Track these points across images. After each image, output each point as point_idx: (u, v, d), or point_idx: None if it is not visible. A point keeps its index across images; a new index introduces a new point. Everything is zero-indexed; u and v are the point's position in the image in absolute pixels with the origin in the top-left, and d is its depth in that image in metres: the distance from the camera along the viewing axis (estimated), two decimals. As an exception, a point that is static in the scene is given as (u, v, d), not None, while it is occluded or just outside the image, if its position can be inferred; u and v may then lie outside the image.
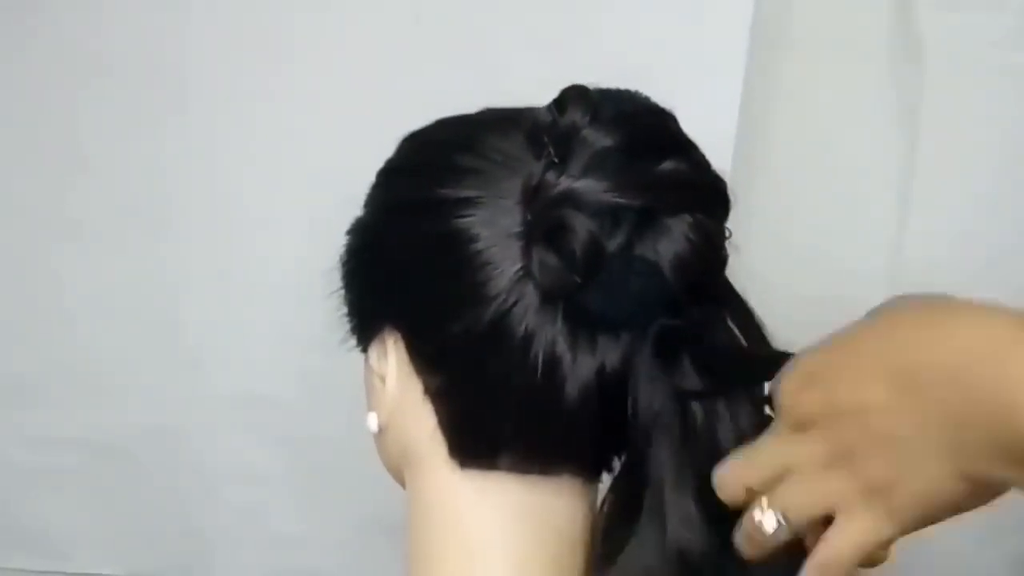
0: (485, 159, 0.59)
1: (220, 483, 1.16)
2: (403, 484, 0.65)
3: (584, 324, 0.57)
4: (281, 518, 1.17)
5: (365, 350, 0.65)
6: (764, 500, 0.52)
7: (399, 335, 0.62)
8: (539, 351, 0.57)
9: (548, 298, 0.56)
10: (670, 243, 0.56)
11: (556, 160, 0.56)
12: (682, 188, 0.58)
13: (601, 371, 0.57)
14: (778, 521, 0.52)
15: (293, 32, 1.07)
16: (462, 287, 0.58)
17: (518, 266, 0.57)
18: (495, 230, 0.57)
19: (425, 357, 0.61)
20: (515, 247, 0.57)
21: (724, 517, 0.54)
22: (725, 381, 0.58)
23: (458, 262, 0.58)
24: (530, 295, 0.57)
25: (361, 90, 1.06)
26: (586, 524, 0.62)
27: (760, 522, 0.52)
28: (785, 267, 1.01)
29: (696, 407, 0.57)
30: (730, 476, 0.54)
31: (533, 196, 0.57)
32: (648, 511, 0.57)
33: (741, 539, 0.53)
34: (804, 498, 0.51)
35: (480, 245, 0.57)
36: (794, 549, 0.53)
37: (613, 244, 0.56)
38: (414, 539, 0.63)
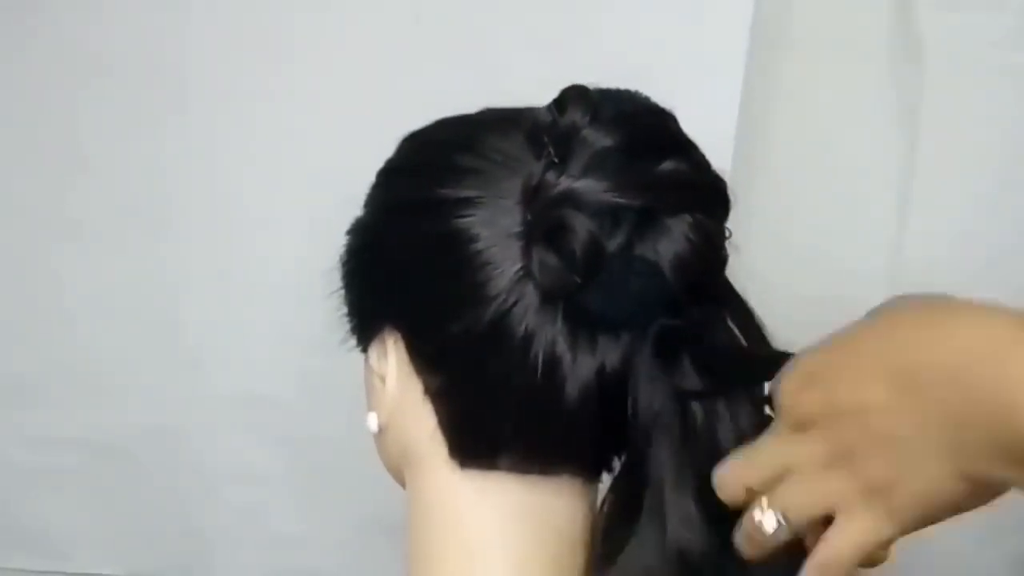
0: (485, 159, 0.59)
1: (220, 483, 1.16)
2: (403, 484, 0.65)
3: (584, 324, 0.57)
4: (281, 518, 1.17)
5: (365, 350, 0.65)
6: (764, 500, 0.52)
7: (399, 335, 0.62)
8: (539, 351, 0.57)
9: (548, 298, 0.56)
10: (670, 243, 0.56)
11: (556, 160, 0.56)
12: (682, 188, 0.58)
13: (601, 371, 0.57)
14: (778, 521, 0.51)
15: (293, 32, 1.07)
16: (462, 287, 0.58)
17: (518, 266, 0.57)
18: (495, 230, 0.57)
19: (425, 357, 0.61)
20: (515, 247, 0.57)
21: (724, 517, 0.54)
22: (725, 381, 0.58)
23: (458, 262, 0.58)
24: (530, 295, 0.57)
25: (361, 90, 1.06)
26: (586, 524, 0.62)
27: (760, 522, 0.52)
28: (785, 267, 1.01)
29: (696, 407, 0.57)
30: (730, 476, 0.54)
31: (533, 196, 0.57)
32: (648, 511, 0.57)
33: (741, 539, 0.53)
34: (804, 498, 0.51)
35: (480, 245, 0.57)
36: (794, 549, 0.53)
37: (613, 244, 0.56)
38: (414, 539, 0.63)
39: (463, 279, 0.57)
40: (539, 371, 0.57)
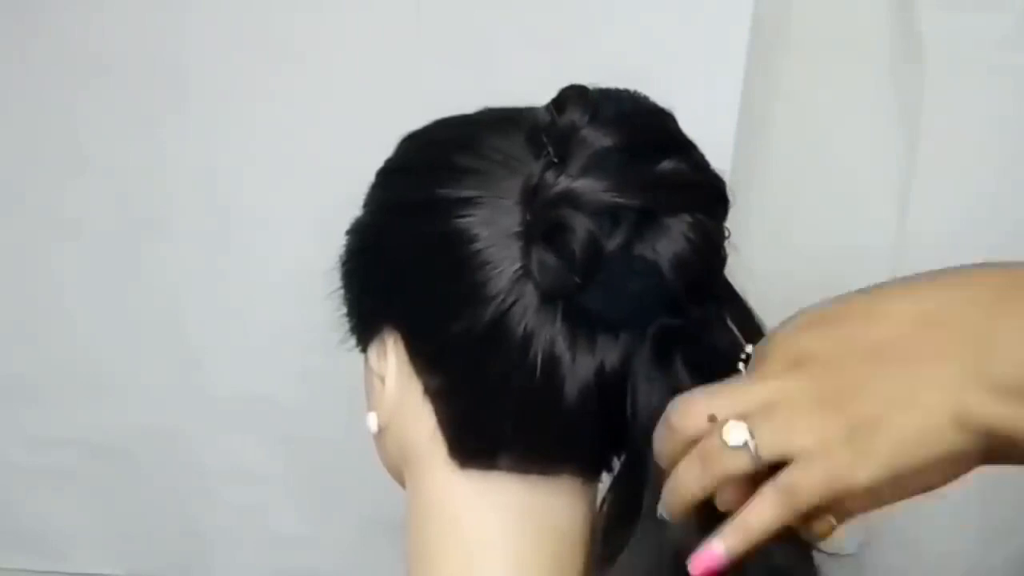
0: (485, 159, 0.59)
1: (220, 483, 1.16)
2: (403, 484, 0.65)
3: (583, 324, 0.57)
4: (281, 518, 1.17)
5: (365, 350, 0.65)
6: (744, 424, 0.49)
7: (399, 335, 0.62)
8: (538, 351, 0.57)
9: (547, 298, 0.56)
10: (669, 243, 0.56)
11: (555, 160, 0.56)
12: (681, 188, 0.58)
13: (600, 371, 0.57)
14: (746, 441, 0.48)
15: (293, 32, 1.07)
16: (461, 287, 0.58)
17: (517, 266, 0.57)
18: (494, 230, 0.57)
19: (425, 357, 0.61)
20: (514, 247, 0.57)
21: (722, 519, 0.54)
22: (717, 381, 0.57)
23: (457, 262, 0.58)
24: (529, 295, 0.57)
25: (361, 90, 1.06)
26: (586, 524, 0.62)
27: (724, 437, 0.48)
28: (785, 267, 1.01)
29: None
30: (693, 403, 0.50)
31: (532, 196, 0.57)
32: (648, 511, 0.57)
33: (685, 469, 0.50)
34: (782, 426, 0.48)
35: (479, 245, 0.57)
36: (788, 545, 0.53)
37: (612, 244, 0.56)
38: (414, 539, 0.63)
39: (462, 279, 0.57)
40: (538, 371, 0.57)
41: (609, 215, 0.56)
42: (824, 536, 0.51)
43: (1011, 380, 0.46)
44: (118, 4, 1.08)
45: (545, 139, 0.57)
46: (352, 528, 1.15)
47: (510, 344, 0.57)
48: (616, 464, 0.62)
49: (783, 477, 0.48)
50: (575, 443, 0.60)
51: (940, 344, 0.48)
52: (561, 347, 0.57)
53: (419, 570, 0.63)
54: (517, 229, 0.57)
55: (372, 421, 0.64)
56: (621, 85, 0.60)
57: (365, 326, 0.64)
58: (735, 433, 0.48)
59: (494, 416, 0.59)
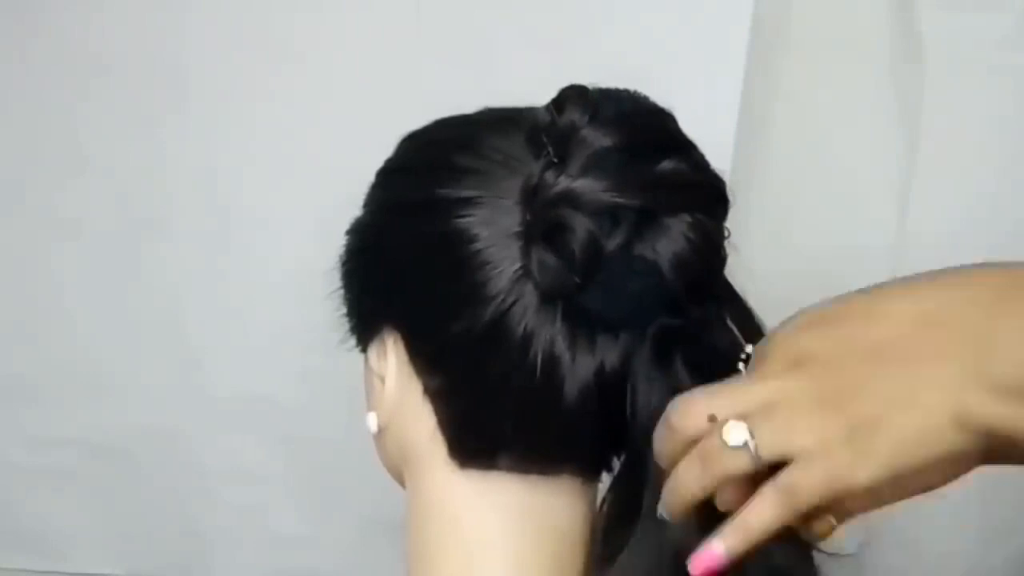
0: (484, 159, 0.59)
1: (220, 483, 1.16)
2: (402, 484, 0.65)
3: (583, 324, 0.57)
4: (281, 518, 1.17)
5: (365, 350, 0.65)
6: (732, 420, 0.49)
7: (398, 335, 0.62)
8: (538, 351, 0.57)
9: (547, 298, 0.56)
10: (669, 243, 0.56)
11: (555, 160, 0.56)
12: (681, 188, 0.58)
13: (600, 371, 0.57)
14: (746, 441, 0.48)
15: (293, 32, 1.07)
16: (461, 287, 0.58)
17: (517, 266, 0.57)
18: (494, 230, 0.57)
19: (424, 357, 0.61)
20: (514, 247, 0.57)
21: (722, 518, 0.54)
22: (716, 381, 0.57)
23: (457, 262, 0.58)
24: (529, 295, 0.57)
25: (361, 90, 1.06)
26: (586, 524, 0.62)
27: (724, 437, 0.48)
28: (785, 267, 1.01)
29: None
30: (692, 403, 0.50)
31: (532, 196, 0.56)
32: (647, 511, 0.57)
33: (685, 469, 0.50)
34: (782, 425, 0.48)
35: (479, 245, 0.57)
36: (788, 545, 0.53)
37: (612, 244, 0.55)
38: (413, 539, 0.63)
39: (462, 279, 0.57)
40: (538, 371, 0.57)
41: (609, 215, 0.56)
42: (824, 536, 0.51)
43: (1011, 380, 0.46)
44: (118, 4, 1.08)
45: (545, 139, 0.57)
46: (352, 528, 1.15)
47: (510, 344, 0.57)
48: (616, 464, 0.62)
49: (783, 477, 0.48)
50: (575, 443, 0.60)
51: (940, 344, 0.48)
52: (561, 347, 0.57)
53: (419, 570, 0.63)
54: (517, 229, 0.57)
55: (372, 421, 0.64)
56: (621, 85, 0.60)
57: (365, 326, 0.64)
58: (735, 433, 0.48)
59: (494, 416, 0.59)
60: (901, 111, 1.03)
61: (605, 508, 0.60)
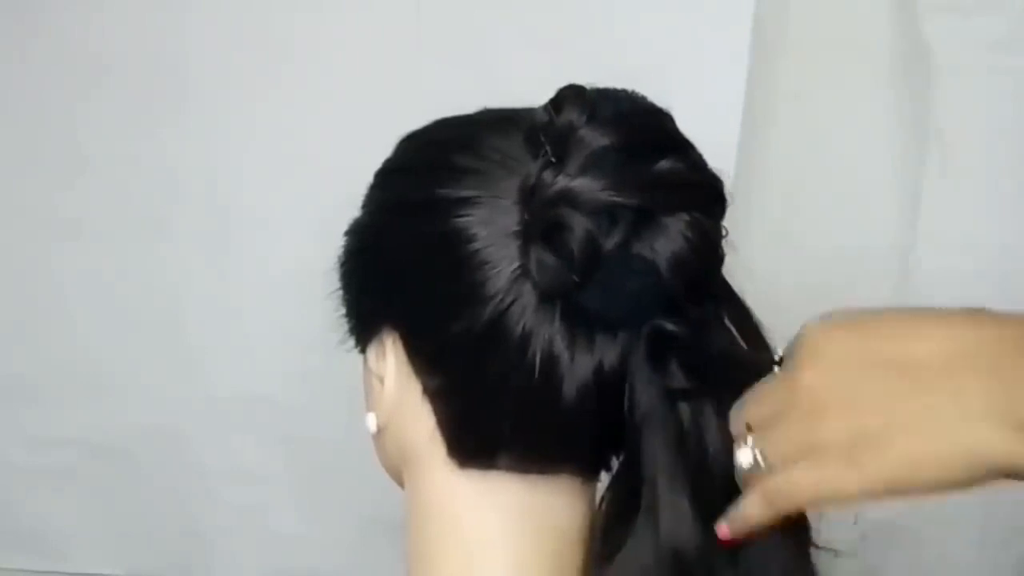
0: (483, 159, 0.59)
1: (220, 483, 1.16)
2: (401, 484, 0.65)
3: (582, 323, 0.57)
4: (281, 518, 1.17)
5: (364, 351, 0.65)
6: (750, 438, 0.52)
7: (397, 335, 0.61)
8: (537, 350, 0.57)
9: (546, 297, 0.56)
10: (667, 242, 0.56)
11: (553, 160, 0.56)
12: (679, 187, 0.58)
13: (599, 370, 0.57)
14: (755, 459, 0.51)
15: (293, 32, 1.07)
16: (460, 287, 0.57)
17: (516, 265, 0.57)
18: (493, 229, 0.57)
19: (423, 357, 0.61)
20: (513, 246, 0.57)
21: (717, 518, 0.55)
22: (710, 382, 0.57)
23: (456, 262, 0.57)
24: (528, 294, 0.56)
25: (361, 90, 1.06)
26: (585, 523, 0.62)
27: (737, 459, 0.52)
28: (786, 267, 1.01)
29: (686, 407, 0.57)
30: (736, 412, 0.54)
31: (530, 195, 0.56)
32: (645, 510, 0.57)
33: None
34: (787, 436, 0.50)
35: (478, 244, 0.57)
36: (790, 542, 0.53)
37: (610, 243, 0.55)
38: (413, 539, 0.63)
39: (461, 279, 0.57)
40: (537, 370, 0.57)
41: (607, 214, 0.55)
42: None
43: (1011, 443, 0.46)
44: (118, 4, 1.08)
45: (543, 139, 0.57)
46: (352, 528, 1.15)
47: (509, 344, 0.57)
48: (615, 463, 0.62)
49: (768, 482, 0.51)
50: (574, 442, 0.60)
51: (967, 377, 0.48)
52: (559, 346, 0.57)
53: (419, 570, 0.63)
54: (515, 229, 0.57)
55: (371, 421, 0.64)
56: (622, 85, 0.60)
57: (364, 326, 0.64)
58: (742, 456, 0.52)
59: (493, 416, 0.59)
60: (901, 112, 1.03)
61: (604, 507, 0.60)
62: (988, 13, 1.01)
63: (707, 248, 0.58)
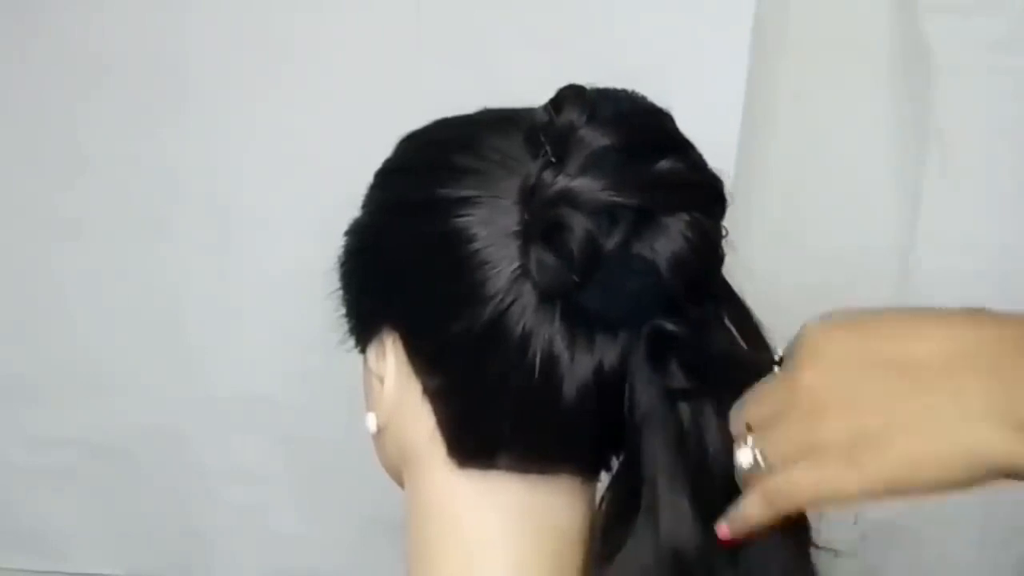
0: (483, 159, 0.59)
1: (220, 483, 1.16)
2: (402, 484, 0.65)
3: (582, 323, 0.57)
4: (281, 518, 1.17)
5: (364, 351, 0.65)
6: (750, 438, 0.52)
7: (397, 335, 0.61)
8: (537, 350, 0.57)
9: (546, 297, 0.56)
10: (667, 242, 0.56)
11: (553, 160, 0.56)
12: (679, 187, 0.58)
13: (599, 370, 0.57)
14: (755, 459, 0.52)
15: (293, 32, 1.07)
16: (460, 287, 0.57)
17: (516, 265, 0.57)
18: (493, 229, 0.57)
19: (423, 357, 0.61)
20: (513, 246, 0.57)
21: (717, 517, 0.55)
22: (709, 382, 0.58)
23: (456, 262, 0.57)
24: (528, 294, 0.56)
25: (361, 90, 1.06)
26: (585, 523, 0.62)
27: (737, 459, 0.52)
28: (786, 267, 1.01)
29: (685, 407, 0.57)
30: (736, 411, 0.54)
31: (530, 195, 0.56)
32: (645, 510, 0.57)
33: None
34: (786, 436, 0.51)
35: (478, 244, 0.57)
36: (790, 542, 0.53)
37: (610, 243, 0.55)
38: (413, 539, 0.63)
39: (461, 279, 0.57)
40: (537, 370, 0.57)
41: (607, 214, 0.55)
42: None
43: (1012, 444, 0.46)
44: (118, 4, 1.08)
45: (543, 139, 0.57)
46: (352, 528, 1.15)
47: (509, 344, 0.57)
48: (615, 463, 0.62)
49: (768, 482, 0.51)
50: (574, 442, 0.60)
51: (967, 378, 0.48)
52: (560, 346, 0.57)
53: (419, 570, 0.63)
54: (515, 228, 0.57)
55: (371, 421, 0.64)
56: (623, 85, 0.60)
57: (364, 326, 0.64)
58: (742, 456, 0.52)
59: (493, 416, 0.59)
60: (901, 112, 1.03)
61: (604, 507, 0.60)
62: (988, 13, 1.01)
63: (707, 248, 0.58)
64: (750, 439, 0.52)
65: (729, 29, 1.02)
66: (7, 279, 1.13)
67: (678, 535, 0.56)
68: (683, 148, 0.59)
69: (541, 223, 0.56)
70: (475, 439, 0.60)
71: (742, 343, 0.59)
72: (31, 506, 1.18)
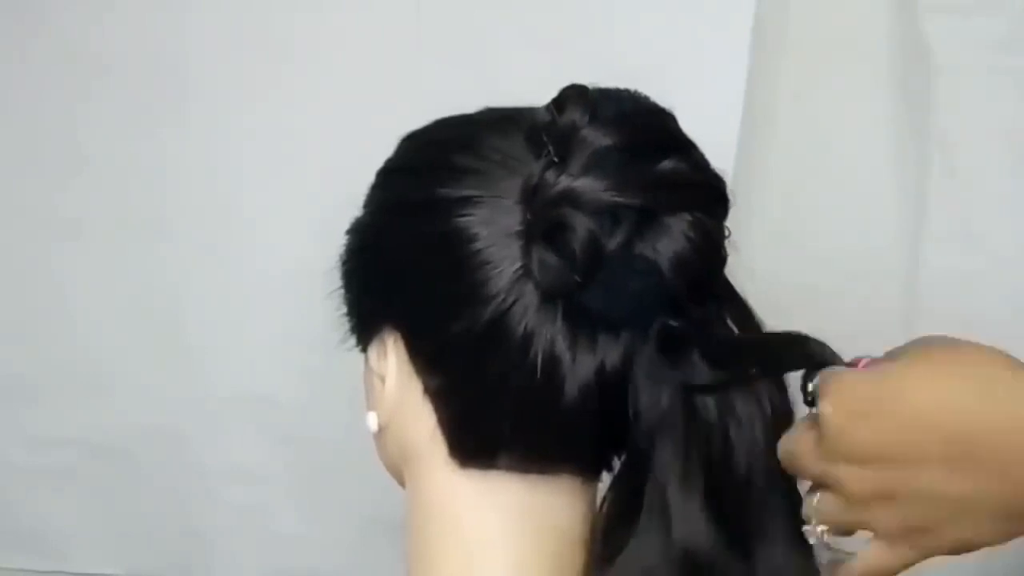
0: (485, 159, 0.59)
1: (220, 483, 1.16)
2: (402, 484, 0.65)
3: (584, 323, 0.57)
4: (281, 518, 1.17)
5: (365, 350, 0.65)
6: (807, 511, 0.54)
7: (399, 335, 0.62)
8: (539, 350, 0.57)
9: (548, 297, 0.56)
10: (669, 242, 0.56)
11: (555, 159, 0.56)
12: (681, 187, 0.58)
13: (601, 370, 0.57)
14: (819, 539, 0.54)
15: (293, 32, 1.07)
16: (461, 286, 0.58)
17: (517, 265, 0.57)
18: (494, 229, 0.57)
19: (424, 357, 0.61)
20: (515, 246, 0.57)
21: (731, 516, 0.55)
22: (739, 370, 0.57)
23: (457, 261, 0.58)
24: (529, 294, 0.57)
25: (361, 90, 1.06)
26: (586, 523, 0.62)
27: (808, 533, 0.54)
28: (787, 267, 1.01)
29: (707, 402, 0.57)
30: (784, 455, 0.55)
31: (532, 195, 0.57)
32: (649, 511, 0.57)
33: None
34: (843, 519, 0.53)
35: (479, 244, 0.57)
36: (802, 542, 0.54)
37: (613, 243, 0.56)
38: (413, 539, 0.63)
39: (462, 278, 0.57)
40: (539, 370, 0.57)
41: (609, 214, 0.56)
42: None
43: None
44: (118, 4, 1.08)
45: (545, 139, 0.57)
46: (352, 528, 1.15)
47: (510, 344, 0.57)
48: (616, 463, 0.62)
49: (854, 565, 0.53)
50: (575, 442, 0.60)
51: (977, 483, 0.49)
52: (561, 346, 0.57)
53: (419, 570, 0.63)
54: (517, 228, 0.57)
55: (372, 421, 0.64)
56: (623, 85, 0.60)
57: (365, 326, 0.64)
58: (811, 536, 0.54)
59: (494, 416, 0.59)
60: (902, 111, 1.03)
61: (605, 508, 0.60)
62: (988, 13, 1.01)
63: (709, 248, 0.58)
64: (807, 512, 0.54)
65: (729, 29, 1.02)
66: (7, 279, 1.13)
67: (691, 535, 0.56)
68: (685, 148, 0.59)
69: (543, 223, 0.56)
70: (476, 439, 0.60)
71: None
72: (31, 506, 1.18)
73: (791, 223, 1.05)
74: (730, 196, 0.60)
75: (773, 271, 0.93)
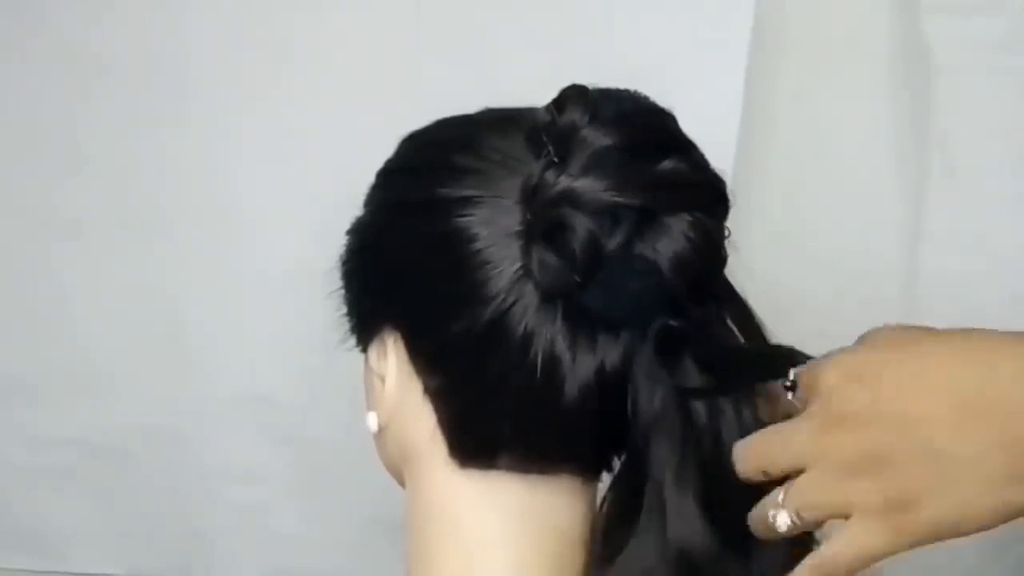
0: (485, 159, 0.59)
1: (220, 483, 1.16)
2: (402, 484, 0.65)
3: (584, 323, 0.57)
4: (281, 518, 1.17)
5: (365, 350, 0.65)
6: (780, 496, 0.52)
7: (399, 335, 0.62)
8: (538, 350, 0.57)
9: (548, 297, 0.56)
10: (669, 242, 0.56)
11: (555, 160, 0.56)
12: (681, 187, 0.58)
13: (601, 370, 0.57)
14: (792, 521, 0.51)
15: (293, 32, 1.07)
16: (461, 287, 0.58)
17: (517, 265, 0.57)
18: (494, 229, 0.57)
19: (424, 357, 0.61)
20: (514, 246, 0.57)
21: (727, 516, 0.55)
22: (728, 379, 0.57)
23: (457, 261, 0.58)
24: (529, 294, 0.57)
25: (361, 90, 1.06)
26: (586, 523, 0.62)
27: (774, 520, 0.52)
28: (786, 267, 1.01)
29: (698, 406, 0.57)
30: (751, 455, 0.53)
31: (532, 195, 0.57)
32: (648, 511, 0.57)
33: (753, 524, 0.54)
34: (821, 498, 0.51)
35: (479, 244, 0.57)
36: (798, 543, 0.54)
37: (613, 243, 0.56)
38: (413, 539, 0.63)
39: (462, 279, 0.57)
40: (538, 370, 0.57)
41: (609, 214, 0.56)
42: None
43: None
44: (118, 4, 1.08)
45: (545, 139, 0.57)
46: (352, 528, 1.15)
47: (510, 344, 0.57)
48: (616, 463, 0.62)
49: (817, 558, 0.51)
50: (575, 442, 0.60)
51: (981, 436, 0.48)
52: (561, 347, 0.57)
53: (419, 570, 0.63)
54: (517, 229, 0.57)
55: (372, 421, 0.64)
56: (622, 85, 0.60)
57: (365, 326, 0.64)
58: (781, 520, 0.52)
59: (494, 416, 0.59)
60: (902, 111, 1.03)
61: (605, 508, 0.60)
62: (988, 13, 1.01)
63: (709, 248, 0.58)
64: (781, 497, 0.52)
65: (729, 29, 1.02)
66: (7, 279, 1.13)
67: (686, 535, 0.56)
68: (686, 148, 0.59)
69: (543, 223, 0.56)
70: (476, 439, 0.60)
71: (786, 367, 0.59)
72: (31, 506, 1.18)
73: (791, 223, 1.05)
74: (730, 196, 0.60)
75: (773, 271, 0.93)
